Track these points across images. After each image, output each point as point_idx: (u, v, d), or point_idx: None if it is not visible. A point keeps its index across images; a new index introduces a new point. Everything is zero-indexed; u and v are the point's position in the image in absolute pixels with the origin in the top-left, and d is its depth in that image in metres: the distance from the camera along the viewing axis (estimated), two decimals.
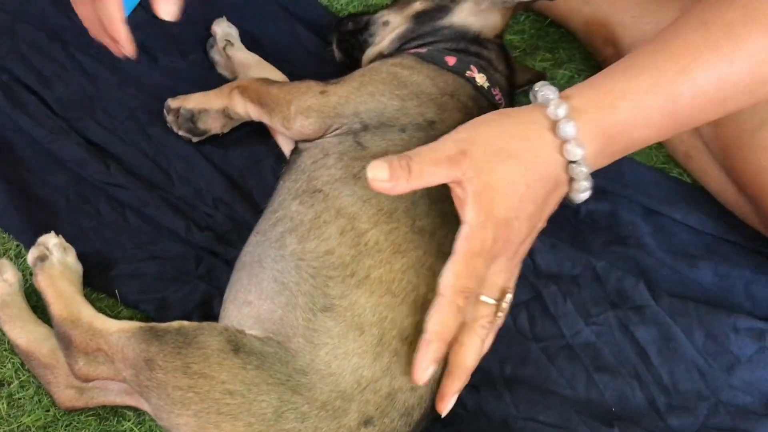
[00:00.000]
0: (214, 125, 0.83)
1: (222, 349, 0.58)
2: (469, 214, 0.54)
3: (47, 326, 0.74)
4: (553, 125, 0.55)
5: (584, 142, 0.55)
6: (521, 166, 0.54)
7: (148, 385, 0.59)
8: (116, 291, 0.78)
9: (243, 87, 0.78)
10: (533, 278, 0.77)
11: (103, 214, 0.83)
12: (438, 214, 0.62)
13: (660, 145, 0.89)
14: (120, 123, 0.88)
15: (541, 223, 0.59)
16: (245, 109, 0.79)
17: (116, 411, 0.73)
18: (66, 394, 0.70)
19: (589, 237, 0.81)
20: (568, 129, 0.55)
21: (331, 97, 0.70)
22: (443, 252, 0.56)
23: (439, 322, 0.54)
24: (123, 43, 0.60)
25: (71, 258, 0.75)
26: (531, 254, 0.79)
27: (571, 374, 0.73)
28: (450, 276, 0.54)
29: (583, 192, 0.58)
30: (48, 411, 0.72)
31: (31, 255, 0.73)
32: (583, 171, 0.56)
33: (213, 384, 0.56)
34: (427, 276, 0.60)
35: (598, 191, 0.83)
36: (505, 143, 0.55)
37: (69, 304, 0.68)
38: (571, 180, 0.57)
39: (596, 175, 0.83)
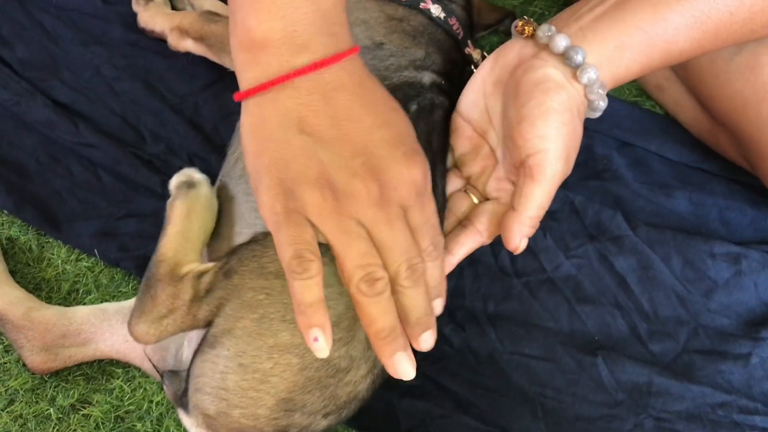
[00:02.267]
0: None
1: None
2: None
3: (23, 290, 0.73)
4: (573, 73, 0.55)
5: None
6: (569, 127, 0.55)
7: (221, 297, 0.56)
8: (95, 250, 0.77)
9: (183, 29, 0.78)
10: None
11: (75, 175, 0.82)
12: None
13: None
14: (86, 81, 0.86)
15: None
16: (193, 48, 0.79)
17: (104, 369, 0.73)
18: (40, 357, 0.69)
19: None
20: (591, 73, 0.54)
21: None
22: None
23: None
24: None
25: (214, 194, 0.65)
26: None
27: (554, 307, 0.74)
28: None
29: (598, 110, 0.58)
30: (35, 374, 0.71)
31: (177, 179, 0.66)
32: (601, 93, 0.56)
33: (285, 285, 0.52)
34: None
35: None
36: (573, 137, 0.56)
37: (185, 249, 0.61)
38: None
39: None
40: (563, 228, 0.78)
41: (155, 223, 0.78)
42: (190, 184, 0.65)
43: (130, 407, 0.71)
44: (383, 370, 0.61)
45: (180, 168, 0.79)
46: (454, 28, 0.73)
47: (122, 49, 0.87)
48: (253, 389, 0.55)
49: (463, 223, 0.61)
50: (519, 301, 0.75)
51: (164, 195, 0.79)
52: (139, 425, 0.70)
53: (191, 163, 0.81)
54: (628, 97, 0.88)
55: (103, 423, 0.71)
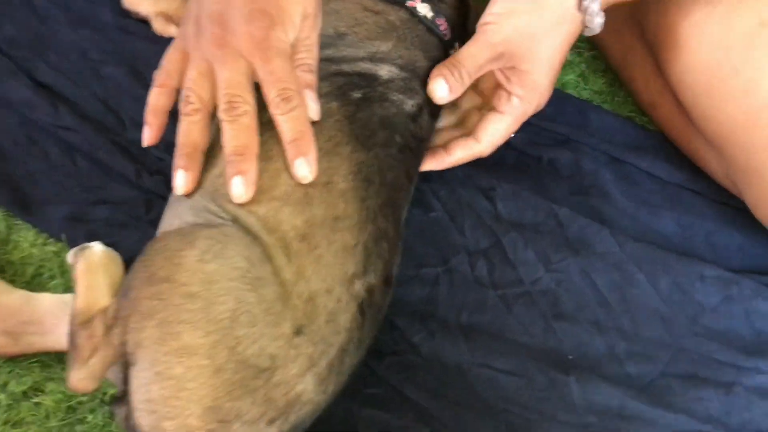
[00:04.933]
0: None
1: (179, 247, 0.56)
2: (516, 90, 0.67)
3: None
4: (580, 3, 0.64)
5: None
6: (555, 38, 0.65)
7: (125, 316, 0.56)
8: (63, 235, 0.75)
9: (167, 15, 0.77)
10: (494, 225, 0.76)
11: (51, 158, 0.80)
12: None
13: (626, 95, 0.86)
14: (71, 64, 0.85)
15: None
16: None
17: (61, 358, 0.70)
18: (1, 341, 0.67)
19: (552, 185, 0.79)
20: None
21: None
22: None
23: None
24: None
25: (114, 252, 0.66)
26: (492, 201, 0.77)
27: (529, 321, 0.72)
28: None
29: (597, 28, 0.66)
30: None
31: (71, 251, 0.65)
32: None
33: (174, 287, 0.54)
34: None
35: (561, 140, 0.82)
36: (536, 27, 0.65)
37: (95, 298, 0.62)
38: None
39: (560, 123, 0.83)
40: (545, 240, 0.75)
41: (127, 211, 0.77)
42: (84, 248, 0.64)
43: (83, 398, 0.69)
44: (338, 372, 0.58)
45: (156, 158, 0.79)
46: (441, 28, 0.71)
47: (110, 33, 0.86)
48: (174, 397, 0.53)
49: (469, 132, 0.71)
50: (493, 313, 0.72)
51: (138, 184, 0.78)
52: (90, 417, 0.68)
53: (167, 153, 0.79)
54: (623, 113, 0.86)
55: (54, 413, 0.68)
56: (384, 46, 0.67)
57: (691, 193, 0.79)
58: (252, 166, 0.58)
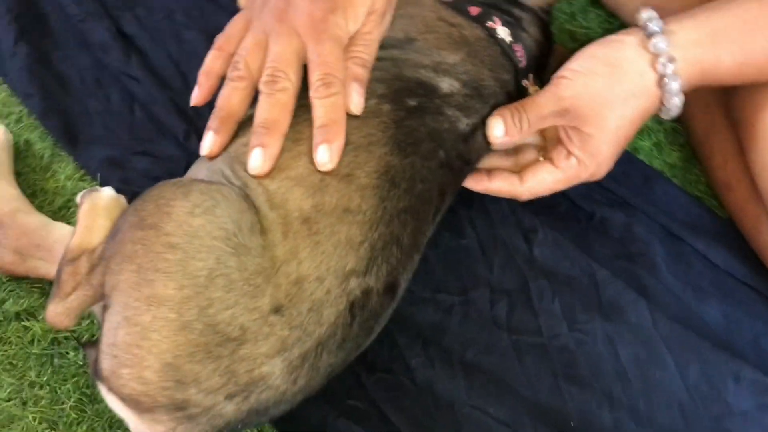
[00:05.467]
0: None
1: (173, 197, 0.54)
2: (576, 152, 0.64)
3: (19, 190, 0.72)
4: (660, 79, 0.61)
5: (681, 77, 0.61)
6: (626, 110, 0.62)
7: (108, 257, 0.56)
8: (98, 175, 0.75)
9: None
10: (525, 267, 0.71)
11: (110, 101, 0.81)
12: None
13: (700, 174, 0.81)
14: (156, 21, 0.86)
15: None
16: None
17: None
18: (9, 258, 0.67)
19: (597, 244, 0.74)
20: (672, 84, 0.61)
21: None
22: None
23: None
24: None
25: (123, 199, 0.65)
26: (530, 243, 0.73)
27: (537, 375, 0.66)
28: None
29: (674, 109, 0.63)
30: None
31: (81, 192, 0.66)
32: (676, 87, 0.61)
33: (157, 234, 0.53)
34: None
35: (618, 201, 0.78)
36: (609, 93, 0.62)
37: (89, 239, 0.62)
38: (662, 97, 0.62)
39: (622, 185, 0.78)
40: (576, 297, 0.70)
41: (166, 167, 0.77)
42: (93, 191, 0.64)
43: (69, 334, 0.67)
44: (313, 366, 0.55)
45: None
46: (517, 54, 0.69)
47: (200, 1, 0.88)
48: (136, 345, 0.52)
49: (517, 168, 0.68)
50: (502, 357, 0.67)
51: (185, 145, 0.78)
52: (72, 354, 0.67)
53: None
54: (693, 191, 0.81)
55: (38, 340, 0.67)
56: (451, 58, 0.65)
57: (747, 288, 0.73)
58: (275, 142, 0.57)
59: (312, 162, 0.57)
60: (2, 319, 0.68)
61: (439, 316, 0.69)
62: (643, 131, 0.84)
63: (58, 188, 0.76)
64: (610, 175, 0.73)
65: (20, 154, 0.77)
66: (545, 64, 0.77)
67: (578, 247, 0.73)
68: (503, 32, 0.69)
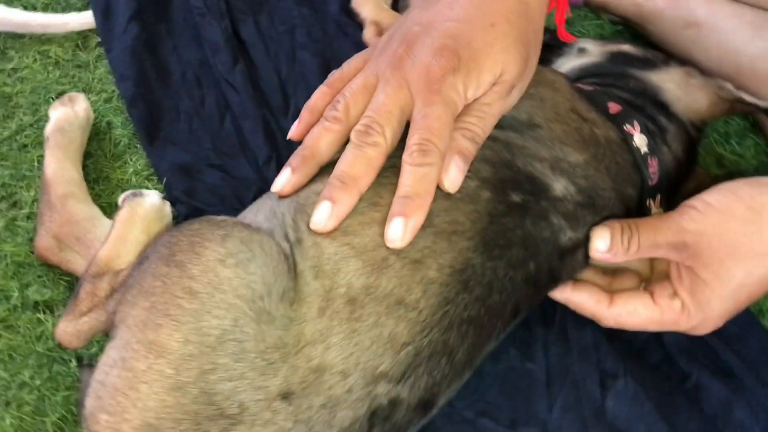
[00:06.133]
0: None
1: (209, 237, 0.49)
2: (683, 296, 0.55)
3: (81, 176, 0.68)
4: None
5: None
6: (758, 268, 0.53)
7: (129, 284, 0.51)
8: (165, 179, 0.70)
9: (381, 26, 0.70)
10: (591, 417, 0.60)
11: (205, 105, 0.77)
12: None
13: None
14: (275, 34, 0.81)
15: None
16: None
17: None
18: (48, 242, 0.63)
19: (684, 415, 0.62)
20: None
21: None
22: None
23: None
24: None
25: (168, 208, 0.62)
26: (605, 390, 0.62)
27: None
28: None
29: None
30: (35, 255, 0.65)
31: (125, 193, 0.62)
32: None
33: (181, 275, 0.47)
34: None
35: (724, 370, 0.65)
36: (742, 242, 0.52)
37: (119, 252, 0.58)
38: None
39: (733, 351, 0.66)
40: None
41: (235, 188, 0.71)
42: (137, 194, 0.60)
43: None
44: None
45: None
46: (650, 170, 0.59)
47: (326, 23, 0.82)
48: (123, 393, 0.46)
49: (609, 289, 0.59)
50: None
51: (262, 171, 0.72)
52: (73, 364, 0.61)
53: None
54: None
55: (46, 338, 0.62)
56: (573, 157, 0.56)
57: None
58: (348, 200, 0.49)
59: (382, 234, 0.49)
60: (20, 305, 0.64)
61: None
62: None
63: (123, 181, 0.71)
64: (723, 335, 0.62)
65: (98, 135, 0.74)
66: (679, 186, 0.67)
67: (660, 412, 0.61)
68: (640, 140, 0.60)
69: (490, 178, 0.53)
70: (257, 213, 0.54)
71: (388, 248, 0.49)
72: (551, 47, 0.71)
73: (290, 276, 0.48)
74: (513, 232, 0.52)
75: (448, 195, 0.51)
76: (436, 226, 0.50)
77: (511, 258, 0.52)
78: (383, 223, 0.49)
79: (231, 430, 0.45)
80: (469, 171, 0.52)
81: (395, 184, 0.50)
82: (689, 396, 0.63)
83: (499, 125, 0.55)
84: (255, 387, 0.46)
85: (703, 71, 0.68)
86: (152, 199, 0.59)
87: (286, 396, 0.46)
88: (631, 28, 0.85)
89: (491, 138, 0.54)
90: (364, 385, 0.47)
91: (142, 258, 0.52)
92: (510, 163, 0.54)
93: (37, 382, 0.60)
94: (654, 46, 0.77)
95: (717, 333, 0.58)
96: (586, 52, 0.68)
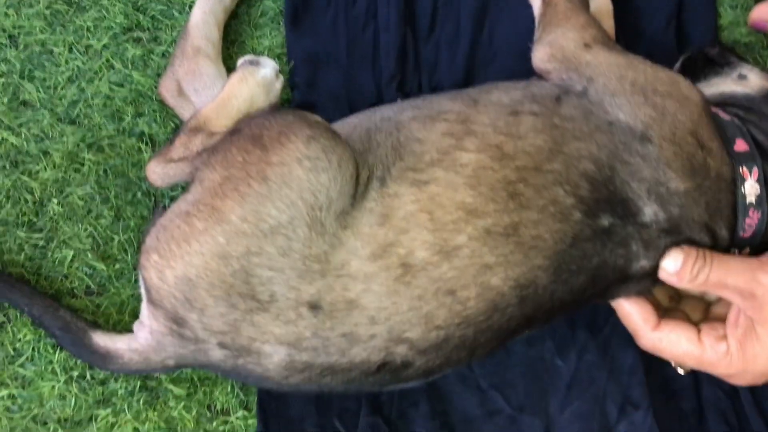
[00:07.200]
0: None
1: (298, 133, 0.51)
2: (732, 342, 0.54)
3: (220, 33, 0.70)
4: None
5: None
6: None
7: (216, 148, 0.55)
8: (292, 63, 0.72)
9: None
10: None
11: (356, 7, 0.76)
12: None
13: None
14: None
15: None
16: None
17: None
18: (171, 84, 0.66)
19: None
20: None
21: (587, 55, 0.58)
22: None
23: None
24: None
25: (278, 84, 0.63)
26: (622, 414, 0.62)
27: None
28: None
29: None
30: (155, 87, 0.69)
31: (244, 58, 0.64)
32: None
33: (261, 158, 0.51)
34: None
35: None
36: None
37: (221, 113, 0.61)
38: None
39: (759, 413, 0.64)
40: None
41: (349, 96, 0.73)
42: (254, 62, 0.61)
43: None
44: (309, 379, 0.52)
45: None
46: (746, 221, 0.56)
47: None
48: (177, 243, 0.51)
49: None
50: None
51: (383, 89, 0.72)
52: None
53: None
54: None
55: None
56: (675, 184, 0.54)
57: None
58: None
59: (465, 220, 0.50)
60: (128, 129, 0.68)
61: (477, 412, 0.61)
62: None
63: (256, 51, 0.73)
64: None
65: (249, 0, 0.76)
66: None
67: None
68: (750, 188, 0.56)
69: (588, 197, 0.52)
70: (355, 128, 0.56)
71: (464, 239, 0.50)
72: (713, 63, 0.67)
73: (350, 200, 0.50)
74: (589, 260, 0.52)
75: (542, 208, 0.51)
76: (520, 236, 0.51)
77: (575, 286, 0.53)
78: (472, 211, 0.50)
79: (255, 314, 0.49)
80: (568, 185, 0.52)
81: (499, 196, 0.51)
82: None
83: (610, 127, 0.54)
84: (290, 285, 0.49)
85: None
86: (266, 71, 0.61)
87: (314, 307, 0.49)
88: None
89: (603, 143, 0.53)
90: (388, 339, 0.50)
91: (236, 129, 0.55)
92: (609, 181, 0.53)
93: (119, 203, 0.65)
94: None
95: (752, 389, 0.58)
96: (746, 81, 0.63)
